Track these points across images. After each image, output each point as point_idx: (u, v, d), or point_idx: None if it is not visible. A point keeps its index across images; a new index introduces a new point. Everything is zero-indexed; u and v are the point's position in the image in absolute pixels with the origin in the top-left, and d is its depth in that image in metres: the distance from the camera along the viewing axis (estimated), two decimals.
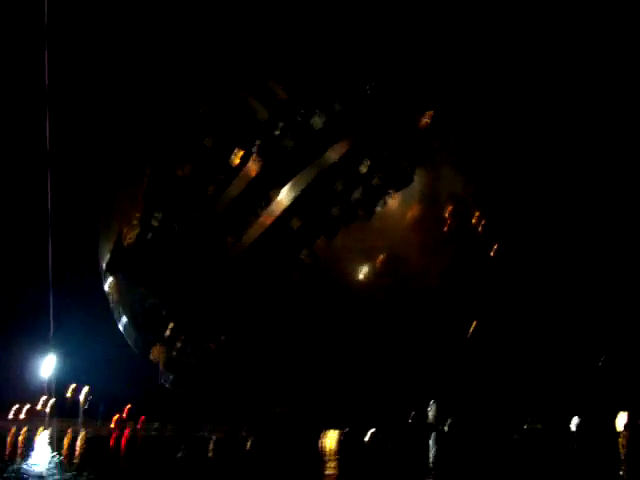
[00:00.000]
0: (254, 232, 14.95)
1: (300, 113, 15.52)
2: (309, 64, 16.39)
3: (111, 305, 17.46)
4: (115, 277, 16.64)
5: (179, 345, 16.02)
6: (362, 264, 15.11)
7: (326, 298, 15.07)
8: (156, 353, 16.54)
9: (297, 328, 15.27)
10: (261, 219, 14.95)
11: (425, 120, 16.64)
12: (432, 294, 15.80)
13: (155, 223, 15.39)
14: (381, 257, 15.20)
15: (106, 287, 17.19)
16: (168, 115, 16.31)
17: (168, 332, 16.07)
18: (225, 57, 16.42)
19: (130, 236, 15.91)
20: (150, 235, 15.54)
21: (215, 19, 17.12)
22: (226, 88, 15.61)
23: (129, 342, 17.64)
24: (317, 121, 15.46)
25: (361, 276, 15.05)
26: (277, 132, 15.43)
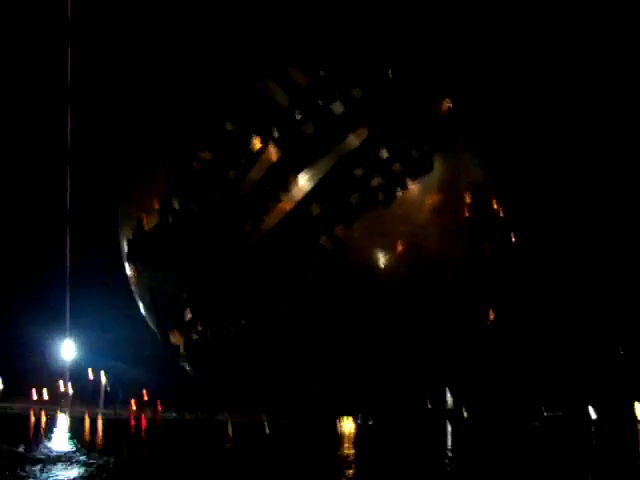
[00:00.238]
0: (274, 217, 15.00)
1: (320, 99, 15.51)
2: (329, 50, 16.34)
3: (132, 289, 17.59)
4: (135, 262, 16.76)
5: (200, 329, 16.13)
6: (382, 250, 15.11)
7: (346, 284, 15.10)
8: (176, 337, 16.68)
9: (316, 314, 15.31)
10: (281, 205, 14.99)
11: (446, 106, 16.59)
12: (451, 281, 15.78)
13: (176, 206, 15.49)
14: (401, 243, 15.19)
15: (127, 271, 17.32)
16: (188, 101, 16.35)
17: (188, 316, 16.19)
18: (245, 43, 16.41)
19: (150, 221, 16.01)
20: (171, 219, 15.63)
21: (235, 4, 17.11)
22: (246, 74, 15.60)
23: (151, 325, 17.79)
24: (337, 107, 15.45)
25: (381, 262, 15.06)
26: (297, 117, 15.44)
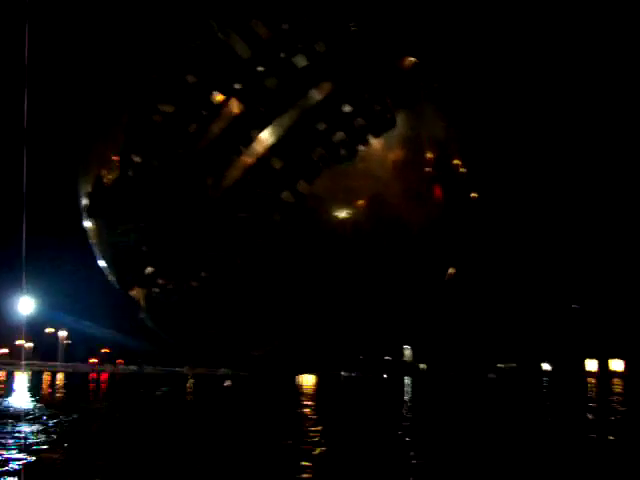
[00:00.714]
0: (236, 171, 14.90)
1: (283, 52, 15.33)
2: (293, 3, 16.10)
3: (91, 244, 17.39)
4: (95, 216, 16.55)
5: (160, 283, 16.07)
6: (344, 205, 15.16)
7: (308, 239, 15.14)
8: (137, 292, 16.60)
9: (278, 268, 15.35)
10: (243, 158, 14.88)
11: (409, 62, 16.54)
12: (412, 236, 15.92)
13: (136, 160, 15.28)
14: (363, 199, 15.25)
15: (86, 226, 17.09)
16: (148, 54, 16.02)
17: (149, 270, 16.10)
18: None
19: (110, 175, 15.78)
20: (131, 172, 15.43)
21: None
22: (208, 26, 15.32)
23: (110, 280, 17.65)
24: (300, 60, 15.29)
25: (343, 217, 15.11)
26: (260, 70, 15.25)
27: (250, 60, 15.24)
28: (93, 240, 17.20)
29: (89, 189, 16.37)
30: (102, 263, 17.58)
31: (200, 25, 15.57)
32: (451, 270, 18.00)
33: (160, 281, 16.09)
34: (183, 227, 15.37)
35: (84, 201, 16.77)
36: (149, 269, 16.07)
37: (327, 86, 15.09)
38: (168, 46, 15.77)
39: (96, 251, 17.45)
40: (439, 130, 16.38)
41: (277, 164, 14.84)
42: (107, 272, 17.65)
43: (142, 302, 16.69)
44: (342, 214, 15.15)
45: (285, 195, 14.83)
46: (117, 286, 17.57)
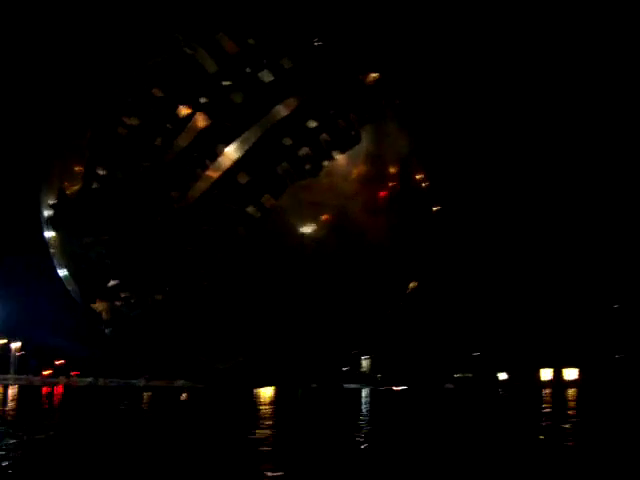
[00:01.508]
0: (201, 185, 14.96)
1: (249, 67, 15.45)
2: (259, 18, 16.25)
3: (53, 255, 17.24)
4: (58, 228, 16.43)
5: (123, 296, 16.00)
6: (308, 220, 15.31)
7: (272, 253, 15.26)
8: (99, 304, 16.49)
9: (242, 282, 15.43)
10: (208, 173, 14.95)
11: (372, 78, 16.81)
12: (375, 250, 16.14)
13: (101, 172, 15.23)
14: (327, 213, 15.43)
15: (48, 238, 16.94)
16: (114, 66, 16.00)
17: (112, 283, 16.02)
18: (174, 8, 16.14)
19: (74, 187, 15.70)
20: (95, 185, 15.37)
21: None
22: (174, 40, 15.38)
23: (71, 292, 17.50)
24: (266, 76, 15.43)
25: (308, 232, 15.27)
26: (226, 85, 15.35)
27: (216, 74, 15.33)
28: (54, 251, 17.06)
29: (52, 200, 16.25)
30: (63, 274, 17.43)
31: (166, 39, 15.62)
32: (412, 284, 18.28)
33: (123, 294, 16.02)
34: (147, 240, 15.36)
35: (46, 212, 16.64)
36: (112, 282, 16.00)
37: (293, 102, 15.25)
38: (134, 59, 15.78)
39: (57, 262, 17.31)
40: (402, 145, 16.67)
41: (243, 178, 14.94)
42: (68, 284, 17.51)
43: (104, 315, 16.59)
44: (306, 228, 15.31)
45: (250, 209, 14.93)
46: (79, 298, 17.43)
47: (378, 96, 16.54)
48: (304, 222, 15.32)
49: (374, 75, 17.04)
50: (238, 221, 14.97)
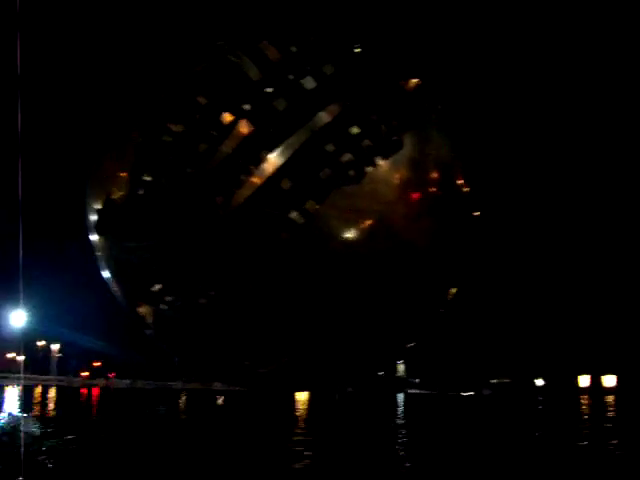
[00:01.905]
0: (245, 191, 15.12)
1: (292, 74, 15.62)
2: (302, 25, 16.43)
3: (99, 259, 17.55)
4: (104, 233, 16.74)
5: (168, 300, 16.23)
6: (351, 225, 15.38)
7: (315, 258, 15.37)
8: (144, 308, 16.72)
9: (286, 287, 15.57)
10: (252, 179, 15.12)
11: (414, 84, 16.85)
12: (417, 256, 16.17)
13: (147, 178, 15.50)
14: (371, 219, 15.50)
15: (94, 242, 17.26)
16: (159, 74, 16.29)
17: (157, 287, 16.28)
18: (217, 16, 16.39)
19: (120, 192, 15.99)
20: (141, 191, 15.65)
21: None
22: (218, 48, 15.61)
23: (115, 295, 17.79)
24: (309, 82, 15.58)
25: (350, 237, 15.34)
26: (269, 92, 15.54)
27: (259, 82, 15.50)
28: (100, 255, 17.35)
29: (99, 206, 16.57)
30: (108, 278, 17.72)
31: (211, 46, 15.85)
32: (453, 290, 18.24)
33: (168, 298, 16.26)
34: (192, 245, 15.59)
35: (92, 216, 16.93)
36: (157, 286, 16.25)
37: (335, 108, 15.36)
38: (180, 66, 16.04)
39: (102, 266, 17.60)
40: (443, 151, 16.68)
41: (286, 184, 15.10)
42: (113, 287, 17.80)
43: (148, 318, 16.85)
44: (348, 234, 15.41)
45: (294, 215, 15.08)
46: (123, 301, 17.71)
47: (420, 102, 16.60)
48: (346, 228, 15.41)
49: (415, 81, 17.08)
50: (282, 226, 15.13)
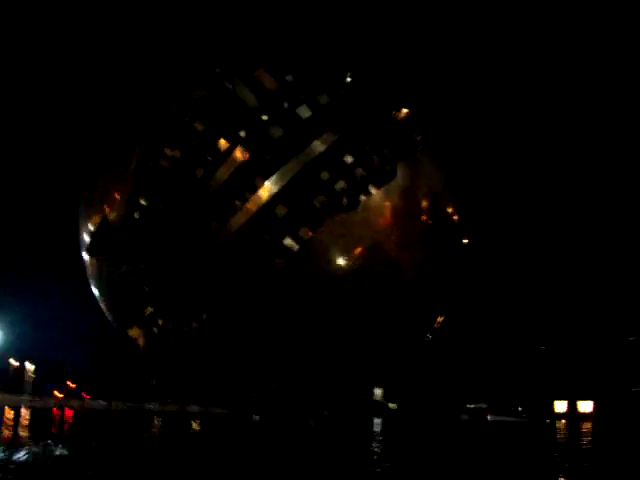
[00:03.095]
0: (240, 218, 15.34)
1: (287, 102, 15.91)
2: (297, 54, 16.75)
3: (91, 281, 17.63)
4: (97, 255, 16.82)
5: (160, 323, 16.34)
6: (344, 253, 15.64)
7: (308, 284, 15.57)
8: (135, 331, 16.80)
9: (278, 312, 15.74)
10: (247, 205, 15.33)
11: (404, 114, 17.21)
12: (407, 284, 16.44)
13: (143, 202, 15.65)
14: (364, 247, 15.76)
15: (86, 264, 17.35)
16: (156, 99, 16.50)
17: (149, 310, 16.37)
18: (214, 43, 16.67)
19: (116, 215, 16.12)
20: (137, 214, 15.79)
21: (206, 4, 17.33)
22: (215, 75, 15.87)
23: (108, 318, 17.86)
24: (304, 111, 15.87)
25: (342, 264, 15.59)
26: (265, 120, 15.80)
27: (256, 109, 15.77)
28: (92, 279, 17.44)
29: (92, 227, 16.66)
30: (99, 300, 17.81)
31: (208, 73, 16.11)
32: (440, 318, 18.53)
33: (160, 321, 16.36)
34: (186, 270, 15.72)
35: (86, 237, 17.02)
36: (150, 309, 16.35)
37: (330, 137, 15.65)
38: (175, 92, 16.27)
39: (95, 290, 17.68)
40: (435, 180, 17.02)
41: (281, 211, 15.32)
42: (104, 309, 17.87)
43: (140, 341, 16.91)
44: (342, 261, 15.64)
45: (288, 241, 15.29)
46: (114, 323, 17.78)
47: (411, 132, 16.94)
48: (340, 254, 15.65)
49: (405, 111, 17.45)
50: (276, 253, 15.32)
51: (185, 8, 16.85)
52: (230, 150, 15.50)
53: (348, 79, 17.01)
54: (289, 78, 16.18)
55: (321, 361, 16.44)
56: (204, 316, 15.92)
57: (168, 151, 15.72)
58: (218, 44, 16.61)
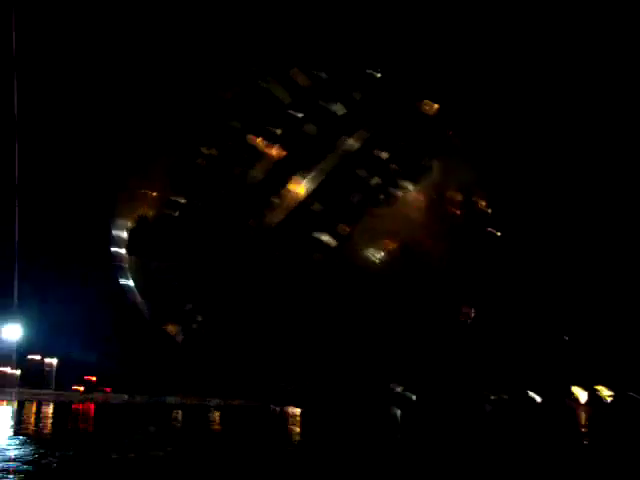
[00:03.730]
0: (278, 214, 15.58)
1: (322, 99, 16.12)
2: (330, 52, 16.94)
3: (129, 278, 17.91)
4: (137, 252, 17.10)
5: (199, 319, 16.60)
6: (381, 247, 15.86)
7: (346, 278, 15.80)
8: (172, 326, 17.08)
9: (317, 306, 15.97)
10: (285, 202, 15.57)
11: (435, 109, 17.38)
12: (443, 276, 16.65)
13: (181, 200, 15.92)
14: (400, 241, 15.98)
15: (125, 262, 17.63)
16: (192, 99, 16.74)
17: (189, 307, 16.64)
18: (248, 44, 16.86)
19: (155, 213, 16.39)
20: (176, 212, 16.05)
21: (242, 5, 17.52)
22: (251, 74, 16.10)
23: (144, 314, 18.14)
24: (339, 108, 16.08)
25: (380, 258, 15.82)
26: (299, 118, 16.02)
27: (290, 107, 15.99)
28: (131, 276, 17.71)
29: (132, 225, 16.92)
30: (138, 298, 18.07)
31: (243, 73, 16.33)
32: (467, 310, 18.71)
33: (199, 317, 16.63)
34: (225, 267, 15.98)
35: (120, 233, 17.25)
36: (189, 305, 16.62)
37: (364, 133, 15.86)
38: (212, 91, 16.50)
39: (133, 286, 17.96)
40: (465, 174, 17.20)
41: (317, 208, 15.55)
42: (142, 307, 18.14)
43: (178, 337, 17.20)
44: (378, 255, 15.86)
45: (326, 237, 15.53)
46: (151, 320, 18.06)
47: (443, 127, 17.12)
48: (376, 249, 15.88)
49: (436, 106, 17.62)
50: (314, 248, 15.56)
51: (221, 10, 17.04)
52: (267, 148, 15.74)
53: (377, 74, 17.19)
54: (322, 75, 16.39)
55: (355, 354, 16.69)
56: (243, 311, 16.20)
57: (205, 150, 15.96)
58: (253, 44, 16.81)
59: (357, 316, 16.51)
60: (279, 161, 15.64)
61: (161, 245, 16.32)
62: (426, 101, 17.60)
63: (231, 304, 16.26)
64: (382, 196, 15.50)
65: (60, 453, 12.82)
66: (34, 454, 12.58)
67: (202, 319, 16.36)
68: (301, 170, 15.59)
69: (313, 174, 15.40)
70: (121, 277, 18.38)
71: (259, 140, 15.75)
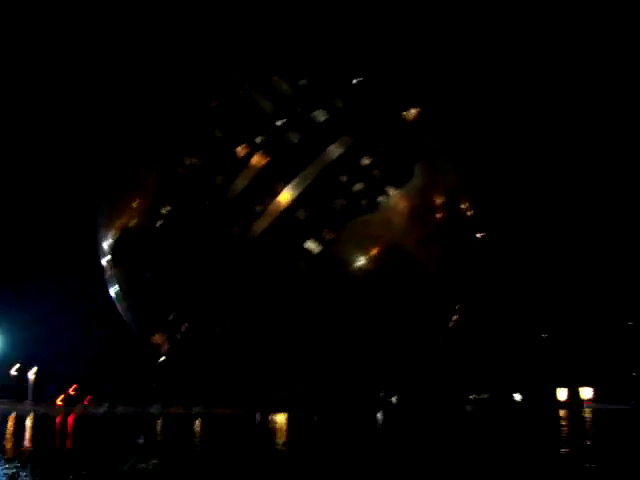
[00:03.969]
0: (262, 223, 15.54)
1: (303, 107, 16.12)
2: (310, 59, 16.97)
3: (113, 289, 17.80)
4: (120, 263, 17.00)
5: (183, 329, 16.52)
6: (366, 253, 15.87)
7: (331, 285, 15.79)
8: (158, 337, 16.99)
9: (301, 314, 15.95)
10: (269, 210, 15.54)
11: (416, 113, 17.44)
12: (428, 280, 16.69)
13: (164, 211, 15.83)
14: (384, 246, 15.99)
15: (108, 273, 17.52)
16: (173, 109, 16.68)
17: (172, 317, 16.55)
18: (229, 52, 16.87)
19: (138, 223, 16.30)
20: (159, 222, 15.97)
21: (220, 15, 17.51)
22: (232, 83, 16.08)
23: (129, 324, 18.05)
24: (320, 115, 16.09)
25: (364, 264, 15.82)
26: (281, 125, 16.00)
27: (272, 115, 15.98)
28: (115, 287, 17.62)
29: (115, 236, 16.82)
30: (121, 310, 17.98)
31: (225, 82, 16.30)
32: (455, 316, 18.77)
33: (183, 327, 16.55)
34: (209, 275, 15.93)
35: (106, 244, 17.17)
36: (173, 315, 16.54)
37: (346, 140, 15.88)
38: (196, 101, 16.45)
39: (117, 297, 17.86)
40: (449, 177, 17.28)
41: (301, 215, 15.53)
42: (126, 318, 18.05)
43: (163, 347, 17.11)
44: (363, 261, 15.87)
45: (310, 244, 15.50)
46: (136, 330, 17.97)
47: (425, 132, 17.19)
48: (360, 255, 15.89)
49: (416, 110, 17.67)
50: (299, 256, 15.53)
51: (200, 20, 17.01)
52: (249, 156, 15.70)
53: (360, 81, 17.23)
54: (303, 82, 16.39)
55: (343, 361, 16.68)
56: (227, 321, 16.13)
57: (187, 159, 15.90)
58: (233, 53, 16.80)
59: (342, 322, 16.48)
60: (262, 169, 15.60)
61: (145, 255, 16.22)
62: (408, 107, 17.64)
63: (216, 313, 16.18)
64: (365, 202, 15.52)
65: (34, 470, 12.45)
66: (4, 473, 12.09)
67: (186, 328, 16.27)
68: (284, 178, 15.56)
69: (296, 182, 15.38)
70: (104, 287, 18.31)
71: (241, 149, 15.71)
